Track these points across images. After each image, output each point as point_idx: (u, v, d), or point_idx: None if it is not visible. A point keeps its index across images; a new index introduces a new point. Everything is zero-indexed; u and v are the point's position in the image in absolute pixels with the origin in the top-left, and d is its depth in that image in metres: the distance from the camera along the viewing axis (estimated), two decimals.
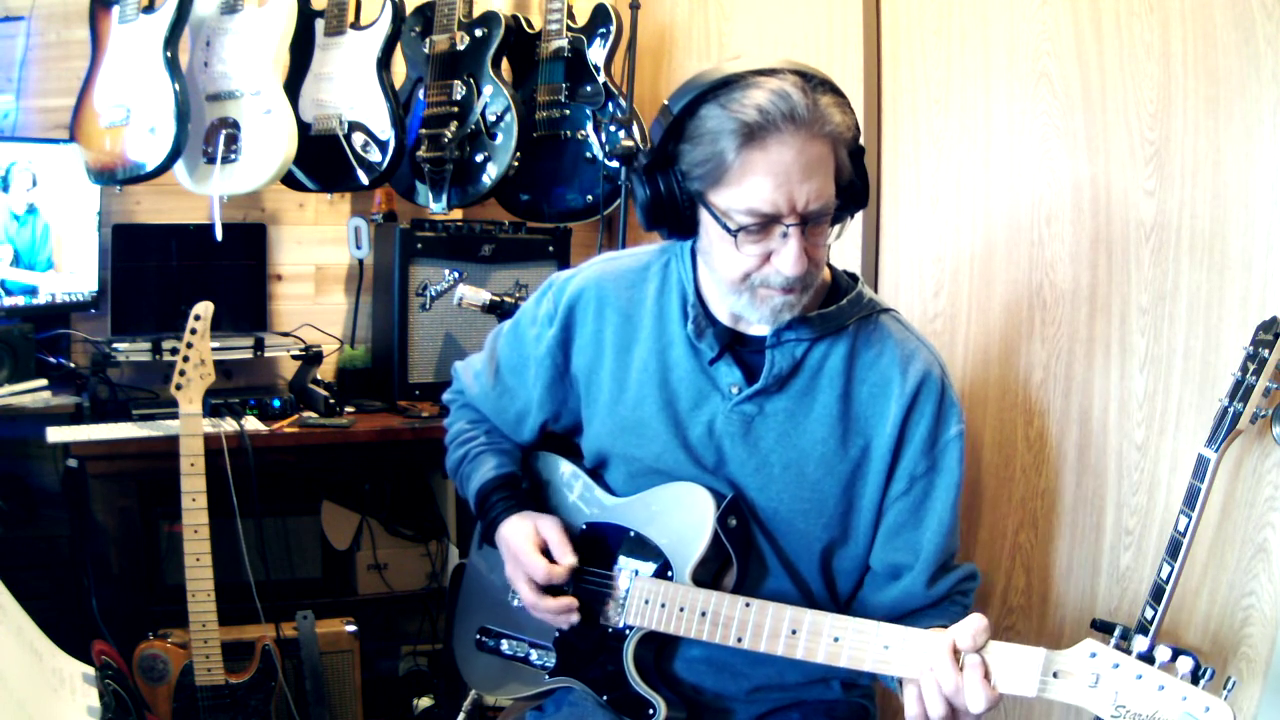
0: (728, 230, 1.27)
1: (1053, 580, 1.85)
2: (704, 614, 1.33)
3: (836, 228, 1.36)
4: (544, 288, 1.55)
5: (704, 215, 1.31)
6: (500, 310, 2.29)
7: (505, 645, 1.56)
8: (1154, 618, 1.46)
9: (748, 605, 1.30)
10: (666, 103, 1.28)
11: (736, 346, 1.41)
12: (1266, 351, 1.40)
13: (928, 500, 1.39)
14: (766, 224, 1.26)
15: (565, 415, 1.55)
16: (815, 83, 1.25)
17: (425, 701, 2.72)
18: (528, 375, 1.55)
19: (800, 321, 1.36)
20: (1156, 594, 1.47)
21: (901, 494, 1.39)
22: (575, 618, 1.44)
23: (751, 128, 1.21)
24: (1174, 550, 1.45)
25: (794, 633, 1.27)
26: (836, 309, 1.39)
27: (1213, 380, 1.59)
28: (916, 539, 1.39)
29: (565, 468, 1.57)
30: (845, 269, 1.47)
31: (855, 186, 1.33)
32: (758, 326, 1.39)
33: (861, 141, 1.33)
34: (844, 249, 2.13)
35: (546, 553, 1.45)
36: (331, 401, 2.51)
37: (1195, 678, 1.04)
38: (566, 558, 1.43)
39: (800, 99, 1.22)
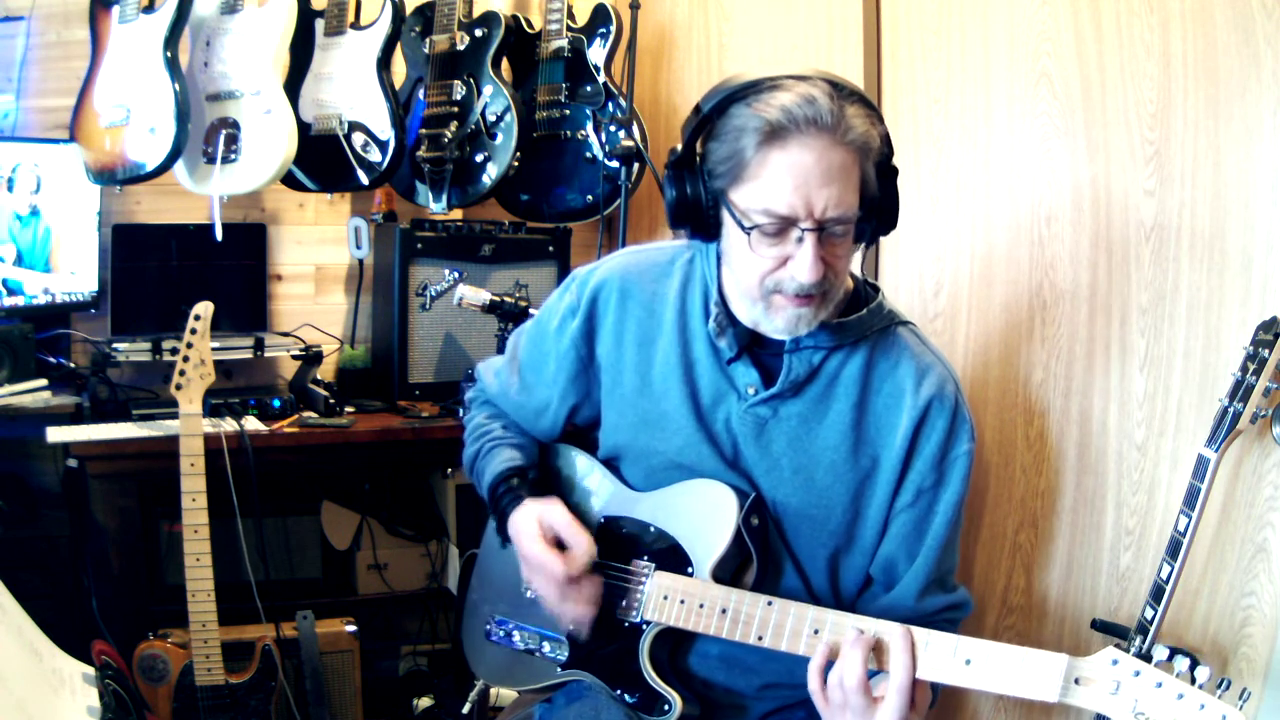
0: (743, 228, 1.26)
1: (1053, 580, 1.85)
2: (724, 611, 1.33)
3: (860, 245, 1.35)
4: (567, 282, 1.55)
5: (725, 216, 1.31)
6: (500, 310, 2.29)
7: (516, 637, 1.55)
8: (1154, 618, 1.46)
9: (770, 604, 1.30)
10: (699, 103, 1.29)
11: (755, 348, 1.40)
12: (1266, 351, 1.40)
13: (930, 514, 1.39)
14: (783, 227, 1.25)
15: (587, 407, 1.54)
16: (846, 93, 1.24)
17: (425, 701, 2.72)
18: (548, 370, 1.54)
19: (820, 328, 1.35)
20: (1156, 594, 1.47)
21: (908, 506, 1.39)
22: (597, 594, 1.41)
23: (774, 126, 1.21)
24: (1174, 550, 1.45)
25: (815, 632, 1.27)
26: (856, 319, 1.39)
27: (1213, 380, 1.59)
28: (914, 551, 1.39)
29: (583, 461, 1.56)
30: (867, 279, 1.46)
31: (882, 206, 1.32)
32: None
33: (895, 162, 1.31)
34: None
35: (560, 544, 1.41)
36: (331, 401, 2.51)
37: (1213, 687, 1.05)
38: (581, 540, 1.38)
39: (826, 104, 1.21)
